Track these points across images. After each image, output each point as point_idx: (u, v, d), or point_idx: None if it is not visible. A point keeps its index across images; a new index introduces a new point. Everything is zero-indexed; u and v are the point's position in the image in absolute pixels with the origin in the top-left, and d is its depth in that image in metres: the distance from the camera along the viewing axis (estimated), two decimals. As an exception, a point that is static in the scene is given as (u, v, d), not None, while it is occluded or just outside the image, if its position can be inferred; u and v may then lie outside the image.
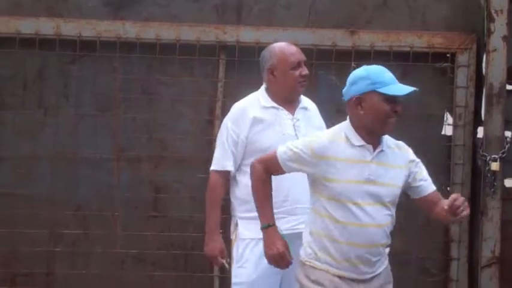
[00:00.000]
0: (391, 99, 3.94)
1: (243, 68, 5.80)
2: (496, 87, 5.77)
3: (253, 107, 4.78)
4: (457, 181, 5.88)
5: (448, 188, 5.89)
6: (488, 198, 5.77)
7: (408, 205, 4.33)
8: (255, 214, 4.27)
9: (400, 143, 4.14)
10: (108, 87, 5.88)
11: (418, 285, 5.94)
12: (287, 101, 4.79)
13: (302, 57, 4.82)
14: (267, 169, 4.15)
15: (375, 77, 3.95)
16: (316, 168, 3.98)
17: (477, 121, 5.94)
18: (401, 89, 3.97)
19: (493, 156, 5.74)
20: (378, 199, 3.97)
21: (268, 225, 4.18)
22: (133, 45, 5.83)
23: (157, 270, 5.89)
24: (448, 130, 5.99)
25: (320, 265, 4.01)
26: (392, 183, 4.01)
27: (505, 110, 5.78)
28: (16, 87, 5.88)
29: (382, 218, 3.99)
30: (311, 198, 4.10)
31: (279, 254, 4.15)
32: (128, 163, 5.89)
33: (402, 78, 5.76)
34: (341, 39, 5.86)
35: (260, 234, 4.26)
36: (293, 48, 4.83)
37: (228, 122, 4.83)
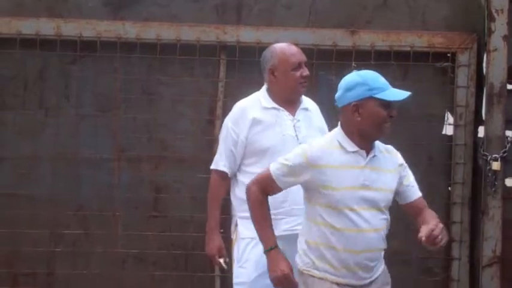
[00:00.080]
0: (387, 104, 3.93)
1: (244, 68, 5.80)
2: (497, 87, 5.77)
3: (254, 107, 4.79)
4: (458, 180, 5.87)
5: (449, 188, 5.90)
6: (489, 198, 5.76)
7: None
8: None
9: (389, 147, 4.12)
10: (108, 88, 5.88)
11: (419, 285, 5.93)
12: (288, 101, 4.79)
13: (303, 58, 4.82)
14: (263, 189, 4.10)
15: (371, 83, 3.93)
16: (312, 177, 3.96)
17: (478, 121, 5.93)
18: (399, 94, 3.96)
19: (494, 155, 5.73)
20: (373, 204, 3.96)
21: (270, 248, 4.13)
22: (134, 46, 5.82)
23: (158, 270, 5.89)
24: (448, 130, 5.99)
25: (318, 273, 3.99)
26: (385, 188, 4.00)
27: (505, 110, 5.77)
28: (17, 88, 5.87)
29: (379, 223, 3.98)
30: (306, 208, 4.07)
31: (284, 276, 4.09)
32: (129, 163, 5.89)
33: (403, 78, 5.84)
34: (341, 39, 5.85)
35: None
36: (294, 49, 4.83)
37: (228, 121, 4.86)
